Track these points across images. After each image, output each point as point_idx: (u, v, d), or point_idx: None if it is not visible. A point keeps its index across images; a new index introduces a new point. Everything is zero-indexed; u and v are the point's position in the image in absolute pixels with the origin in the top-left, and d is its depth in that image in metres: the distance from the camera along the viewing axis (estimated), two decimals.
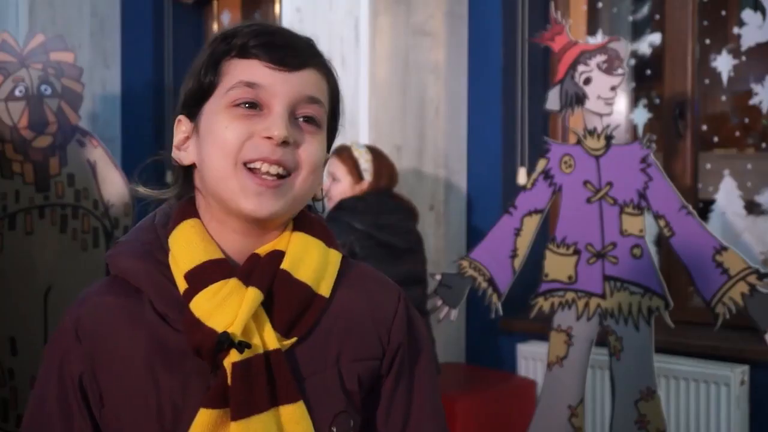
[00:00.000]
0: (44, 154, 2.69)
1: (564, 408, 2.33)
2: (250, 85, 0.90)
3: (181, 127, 0.97)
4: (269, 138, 0.89)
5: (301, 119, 0.93)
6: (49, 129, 2.69)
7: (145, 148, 4.08)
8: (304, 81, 0.92)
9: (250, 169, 0.90)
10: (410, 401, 1.02)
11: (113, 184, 2.81)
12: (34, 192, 2.68)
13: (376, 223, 2.57)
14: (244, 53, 0.91)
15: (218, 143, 0.90)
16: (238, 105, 0.91)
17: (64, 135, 2.73)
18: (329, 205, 2.75)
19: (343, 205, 2.62)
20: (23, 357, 2.63)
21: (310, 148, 0.93)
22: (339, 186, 2.68)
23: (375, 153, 2.72)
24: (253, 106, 0.91)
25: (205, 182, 0.94)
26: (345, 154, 2.68)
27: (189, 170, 0.98)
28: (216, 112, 0.92)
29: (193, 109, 0.95)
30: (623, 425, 2.24)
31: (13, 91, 2.65)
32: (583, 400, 2.33)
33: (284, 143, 0.90)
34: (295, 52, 0.92)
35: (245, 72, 0.91)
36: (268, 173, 0.90)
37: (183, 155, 0.97)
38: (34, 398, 0.95)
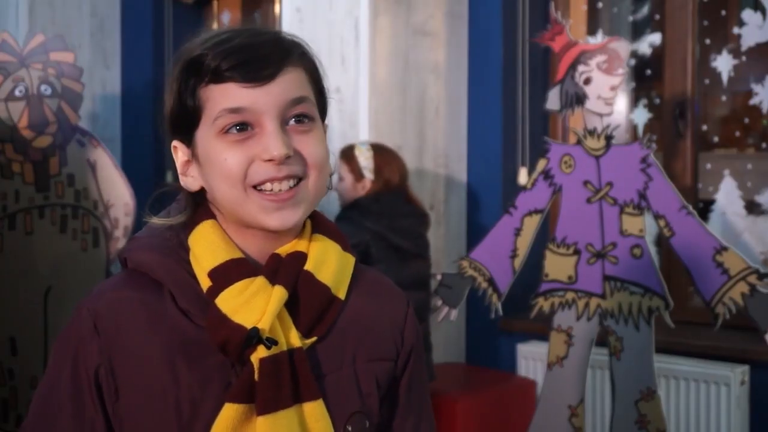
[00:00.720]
0: (44, 154, 2.69)
1: (564, 408, 2.33)
2: (234, 111, 0.90)
3: (179, 153, 0.97)
4: (270, 160, 0.90)
5: (293, 122, 0.92)
6: (49, 129, 2.69)
7: (145, 148, 4.08)
8: (284, 86, 0.92)
9: (260, 190, 0.91)
10: (421, 408, 1.05)
11: (113, 184, 2.81)
12: (34, 192, 2.68)
13: (390, 225, 2.58)
14: (217, 78, 0.91)
15: (223, 174, 0.91)
16: (228, 131, 0.91)
17: (64, 135, 2.73)
18: (338, 202, 2.76)
19: (357, 205, 2.62)
20: (23, 357, 2.63)
21: (312, 149, 0.93)
22: (342, 184, 2.70)
23: (378, 151, 2.71)
24: (244, 127, 0.91)
25: (220, 206, 0.95)
26: (348, 153, 2.71)
27: (199, 191, 0.98)
28: (209, 141, 0.92)
29: (184, 134, 0.95)
30: (623, 425, 2.24)
31: (13, 91, 2.65)
32: (583, 400, 2.33)
33: (287, 157, 0.90)
34: (267, 62, 0.91)
35: (225, 98, 0.90)
36: (280, 190, 0.91)
37: (189, 181, 0.97)
38: (44, 388, 0.95)
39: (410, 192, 2.76)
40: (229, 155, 0.90)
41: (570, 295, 2.34)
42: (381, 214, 2.58)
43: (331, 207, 2.95)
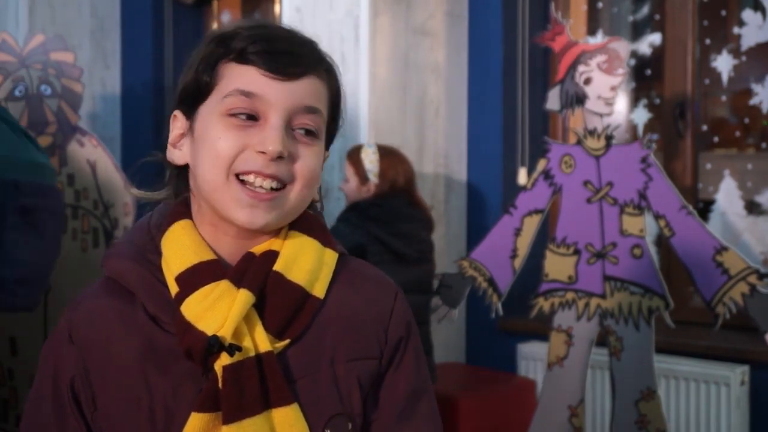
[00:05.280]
0: None
1: (564, 408, 2.33)
2: (246, 94, 0.88)
3: (177, 123, 0.95)
4: (263, 152, 0.88)
5: (298, 130, 0.91)
6: (49, 129, 2.69)
7: (145, 148, 4.06)
8: (303, 90, 0.90)
9: (243, 181, 0.89)
10: (410, 406, 0.99)
11: (113, 184, 2.81)
12: None
13: (389, 230, 2.55)
14: (241, 58, 0.89)
15: (211, 153, 0.89)
16: (233, 114, 0.89)
17: (64, 135, 2.73)
18: (345, 204, 2.74)
19: (357, 207, 2.60)
20: (23, 357, 2.63)
21: (306, 161, 0.91)
22: (347, 186, 2.68)
23: (384, 153, 2.67)
24: (250, 117, 0.89)
25: (198, 188, 0.93)
26: (355, 155, 2.68)
27: (183, 169, 0.96)
28: (211, 118, 0.90)
29: (189, 106, 0.93)
30: (623, 425, 2.24)
31: (13, 91, 2.65)
32: (583, 400, 2.33)
33: (279, 157, 0.88)
34: (295, 60, 0.89)
35: (241, 79, 0.89)
36: (261, 187, 0.89)
37: (177, 154, 0.95)
38: (31, 401, 0.95)
39: (416, 195, 2.72)
40: (224, 136, 0.88)
41: (570, 295, 2.34)
42: (380, 219, 2.56)
43: (332, 207, 2.95)
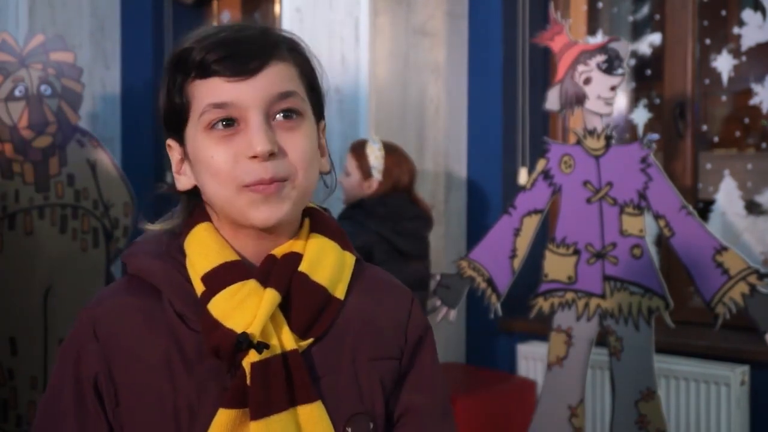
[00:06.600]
0: (44, 154, 2.69)
1: (564, 408, 2.33)
2: (219, 105, 0.89)
3: (173, 151, 0.97)
4: (255, 156, 0.89)
5: (280, 117, 0.91)
6: (49, 129, 2.69)
7: (145, 148, 4.08)
8: (270, 80, 0.90)
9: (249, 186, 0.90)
10: (431, 398, 1.01)
11: (113, 184, 2.81)
12: (34, 192, 2.68)
13: (394, 228, 2.55)
14: (203, 72, 0.90)
15: (211, 172, 0.90)
16: (214, 126, 0.90)
17: (64, 135, 2.73)
18: (342, 197, 2.73)
19: (362, 205, 2.59)
20: (23, 357, 2.63)
21: (298, 147, 0.92)
22: (348, 180, 2.65)
23: (390, 151, 2.66)
24: (230, 123, 0.90)
25: (212, 203, 0.95)
26: (359, 149, 2.65)
27: (193, 190, 0.98)
28: (197, 138, 0.91)
29: (176, 132, 0.95)
30: (623, 425, 2.24)
31: (13, 91, 2.65)
32: (583, 400, 2.33)
33: (271, 154, 0.89)
34: (252, 55, 0.90)
35: (210, 93, 0.90)
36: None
37: (184, 180, 0.97)
38: (49, 395, 0.95)
39: (415, 193, 2.73)
40: (215, 152, 0.90)
41: (570, 296, 2.34)
42: (386, 217, 2.55)
43: (332, 207, 2.95)
